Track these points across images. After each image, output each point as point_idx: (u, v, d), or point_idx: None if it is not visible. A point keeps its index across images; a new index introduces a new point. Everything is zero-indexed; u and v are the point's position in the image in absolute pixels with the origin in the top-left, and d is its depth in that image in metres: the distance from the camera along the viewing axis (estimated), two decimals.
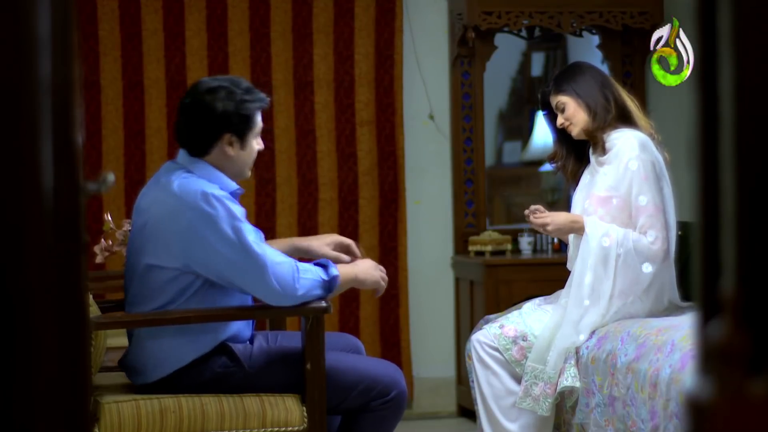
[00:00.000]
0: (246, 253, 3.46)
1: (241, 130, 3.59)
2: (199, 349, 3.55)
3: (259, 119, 3.65)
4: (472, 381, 4.35)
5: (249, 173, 3.71)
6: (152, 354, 3.57)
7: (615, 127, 4.25)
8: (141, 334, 3.61)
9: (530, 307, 4.37)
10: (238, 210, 3.52)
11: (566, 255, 4.53)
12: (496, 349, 4.22)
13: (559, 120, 4.32)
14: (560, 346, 4.14)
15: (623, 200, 4.21)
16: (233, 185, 3.61)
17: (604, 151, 4.24)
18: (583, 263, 4.19)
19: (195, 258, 3.48)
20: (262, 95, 3.65)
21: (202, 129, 3.60)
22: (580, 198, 4.35)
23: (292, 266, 3.51)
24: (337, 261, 3.75)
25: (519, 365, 4.20)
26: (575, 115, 4.28)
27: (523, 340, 4.20)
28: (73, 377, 1.49)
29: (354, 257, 3.86)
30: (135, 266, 3.60)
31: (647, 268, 4.18)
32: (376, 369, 3.67)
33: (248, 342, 3.66)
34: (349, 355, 3.77)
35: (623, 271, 4.17)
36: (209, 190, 3.49)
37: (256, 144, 3.66)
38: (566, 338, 4.15)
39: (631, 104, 4.30)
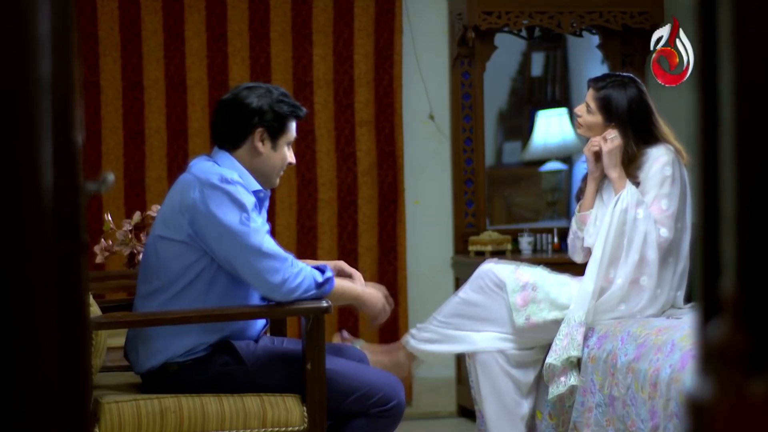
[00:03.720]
0: (246, 235, 3.50)
1: (273, 128, 3.68)
2: (191, 342, 3.57)
3: (292, 127, 3.73)
4: (472, 382, 4.39)
5: (277, 181, 3.76)
6: (147, 343, 3.59)
7: (647, 144, 4.36)
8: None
9: (544, 269, 4.49)
10: (248, 199, 3.56)
11: (566, 254, 4.55)
12: (501, 287, 4.30)
13: (580, 111, 4.45)
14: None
15: (649, 196, 4.31)
16: (256, 185, 3.66)
17: (639, 167, 4.36)
18: (613, 218, 4.31)
19: (200, 232, 3.54)
20: (298, 104, 3.75)
21: (235, 122, 3.68)
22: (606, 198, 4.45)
23: (287, 259, 3.54)
24: None
25: (517, 311, 4.28)
26: (593, 128, 4.42)
27: (533, 290, 4.32)
28: (73, 377, 1.49)
29: None
30: (149, 244, 3.67)
31: (652, 255, 4.27)
32: (377, 378, 3.69)
33: (254, 341, 3.67)
34: (352, 362, 3.78)
35: (645, 248, 4.25)
36: (228, 175, 3.57)
37: (288, 153, 3.73)
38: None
39: (671, 136, 4.39)
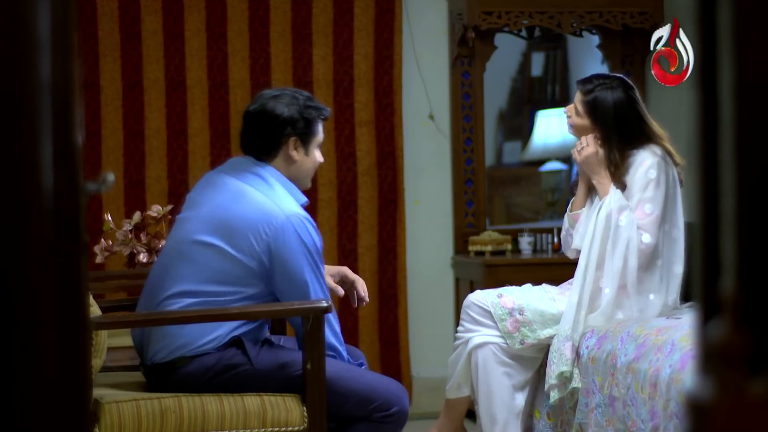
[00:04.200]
0: (311, 288, 3.62)
1: (304, 135, 3.75)
2: (212, 336, 3.59)
3: (320, 129, 3.81)
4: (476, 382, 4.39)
5: (309, 183, 3.83)
6: (170, 336, 3.60)
7: (633, 147, 4.32)
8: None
9: (529, 286, 4.43)
10: (320, 242, 3.68)
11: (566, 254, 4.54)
12: (489, 314, 4.30)
13: (569, 111, 4.42)
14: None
15: (633, 200, 4.27)
16: (303, 197, 3.75)
17: (625, 170, 4.33)
18: (597, 226, 4.28)
19: (274, 269, 3.61)
20: (323, 105, 3.83)
21: (268, 133, 3.73)
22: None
23: (336, 317, 3.71)
24: (331, 292, 3.82)
25: (510, 337, 4.27)
26: (581, 130, 4.40)
27: (520, 314, 4.29)
28: (73, 377, 1.49)
29: (358, 297, 3.92)
30: (182, 244, 3.67)
31: (633, 262, 4.25)
32: (380, 383, 3.70)
33: (261, 343, 3.68)
34: (354, 366, 3.78)
35: (627, 255, 4.24)
36: (301, 212, 3.64)
37: (318, 154, 3.81)
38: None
39: (666, 140, 4.34)
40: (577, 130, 4.41)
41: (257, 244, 3.59)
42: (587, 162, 4.34)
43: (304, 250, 3.60)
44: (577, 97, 4.40)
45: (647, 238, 4.23)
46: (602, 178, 4.33)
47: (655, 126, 4.35)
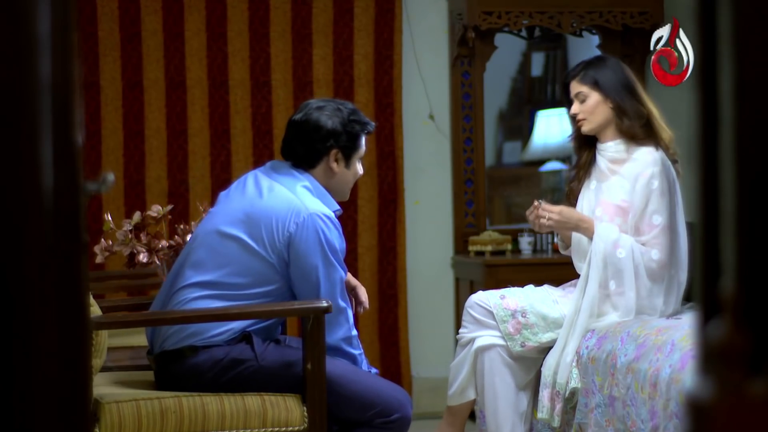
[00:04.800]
0: (322, 287, 3.64)
1: (347, 148, 3.80)
2: (223, 328, 3.61)
3: (363, 143, 3.85)
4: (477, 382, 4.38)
5: (348, 195, 3.88)
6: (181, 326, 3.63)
7: (640, 136, 4.26)
8: (179, 302, 3.66)
9: (531, 287, 4.40)
10: (341, 244, 3.70)
11: (565, 254, 4.53)
12: (491, 315, 4.26)
13: (575, 108, 4.33)
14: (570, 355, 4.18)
15: (637, 214, 4.21)
16: (336, 205, 3.78)
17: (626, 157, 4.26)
18: (592, 270, 4.20)
19: (291, 263, 3.64)
20: (367, 119, 3.86)
21: (310, 143, 3.77)
22: (586, 204, 4.35)
23: (351, 322, 3.72)
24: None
25: (511, 339, 4.23)
26: (595, 111, 4.30)
27: (522, 316, 4.24)
28: (73, 377, 1.49)
29: (358, 302, 3.95)
30: (207, 234, 3.70)
31: (647, 283, 4.20)
32: (383, 389, 3.69)
33: (268, 341, 3.69)
34: (361, 370, 3.78)
35: (640, 273, 4.18)
36: (326, 211, 3.67)
37: (359, 166, 3.86)
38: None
39: (655, 111, 4.30)
40: (592, 116, 4.28)
41: (278, 239, 3.62)
42: (562, 223, 4.26)
43: (322, 249, 3.62)
44: (574, 86, 4.31)
45: (656, 254, 4.16)
46: (582, 228, 4.25)
47: (648, 101, 4.30)
